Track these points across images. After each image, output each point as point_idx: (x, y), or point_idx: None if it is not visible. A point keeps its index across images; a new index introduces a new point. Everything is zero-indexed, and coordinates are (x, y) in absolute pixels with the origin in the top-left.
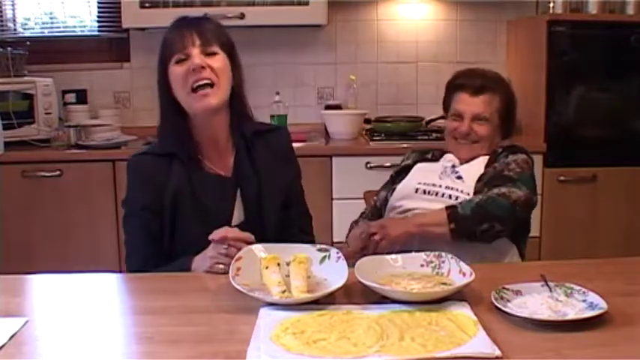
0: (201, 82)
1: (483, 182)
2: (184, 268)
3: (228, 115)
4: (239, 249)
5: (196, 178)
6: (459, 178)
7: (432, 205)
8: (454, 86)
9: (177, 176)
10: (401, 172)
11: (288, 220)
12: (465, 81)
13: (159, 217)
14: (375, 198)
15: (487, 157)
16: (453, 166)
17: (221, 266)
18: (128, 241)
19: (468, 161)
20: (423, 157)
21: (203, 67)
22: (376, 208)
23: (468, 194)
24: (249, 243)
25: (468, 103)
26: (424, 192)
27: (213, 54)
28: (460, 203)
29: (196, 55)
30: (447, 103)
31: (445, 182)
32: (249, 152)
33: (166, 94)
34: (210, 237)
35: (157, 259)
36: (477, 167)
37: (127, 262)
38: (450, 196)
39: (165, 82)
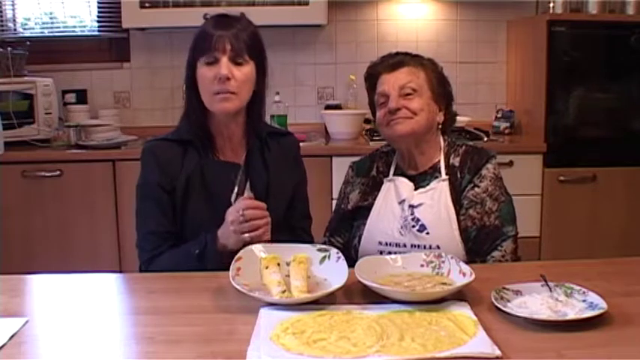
0: (224, 95)
1: (469, 246)
2: (207, 245)
3: (245, 117)
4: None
5: (208, 165)
6: (422, 228)
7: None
8: (370, 77)
9: (191, 162)
10: (355, 211)
11: (292, 218)
12: (378, 67)
13: (171, 196)
14: (328, 238)
15: (445, 181)
16: (411, 207)
17: (246, 235)
18: (140, 217)
19: (418, 170)
20: (369, 176)
21: (228, 79)
22: (344, 248)
23: (438, 246)
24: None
25: (389, 80)
26: (389, 253)
27: (241, 64)
28: None
29: (224, 65)
30: (373, 103)
31: (409, 239)
32: (261, 152)
33: (192, 88)
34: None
35: (167, 234)
36: (437, 202)
37: (138, 245)
38: None
39: (193, 76)
